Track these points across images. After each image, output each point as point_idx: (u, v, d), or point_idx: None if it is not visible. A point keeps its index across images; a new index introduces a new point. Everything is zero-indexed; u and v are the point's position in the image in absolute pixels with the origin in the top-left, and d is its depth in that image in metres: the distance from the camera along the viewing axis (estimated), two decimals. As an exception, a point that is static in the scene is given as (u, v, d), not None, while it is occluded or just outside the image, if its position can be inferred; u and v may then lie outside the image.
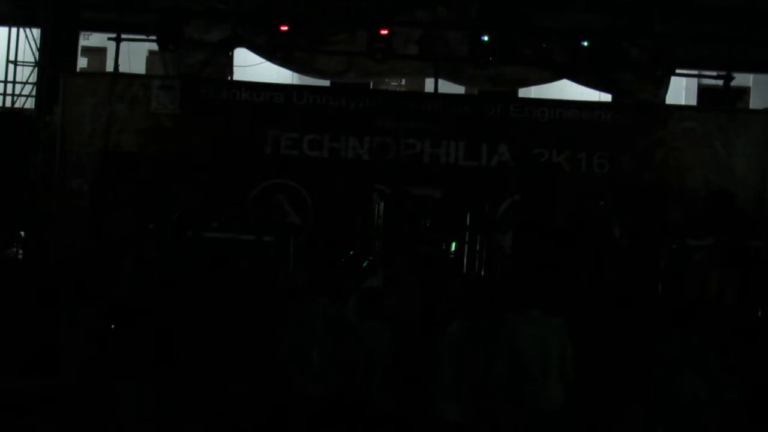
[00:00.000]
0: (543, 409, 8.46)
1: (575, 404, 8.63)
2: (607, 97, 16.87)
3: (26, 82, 16.34)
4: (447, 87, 16.85)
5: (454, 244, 13.99)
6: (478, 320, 8.72)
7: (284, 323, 8.98)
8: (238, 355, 9.71)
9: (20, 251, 15.11)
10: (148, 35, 15.95)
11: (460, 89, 17.85)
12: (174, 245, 12.45)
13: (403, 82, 20.79)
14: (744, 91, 20.46)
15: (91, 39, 19.04)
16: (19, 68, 16.47)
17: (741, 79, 17.86)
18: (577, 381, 8.58)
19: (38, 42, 16.07)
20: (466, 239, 13.98)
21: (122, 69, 16.04)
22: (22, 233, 15.20)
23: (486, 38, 15.04)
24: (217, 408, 9.33)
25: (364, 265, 13.20)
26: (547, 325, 8.60)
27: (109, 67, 16.60)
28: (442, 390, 8.62)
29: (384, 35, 15.03)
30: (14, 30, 16.22)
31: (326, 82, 17.45)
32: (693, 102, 20.12)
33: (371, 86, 19.21)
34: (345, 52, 15.81)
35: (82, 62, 18.25)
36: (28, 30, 16.17)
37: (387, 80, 20.35)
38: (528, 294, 8.87)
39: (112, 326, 9.10)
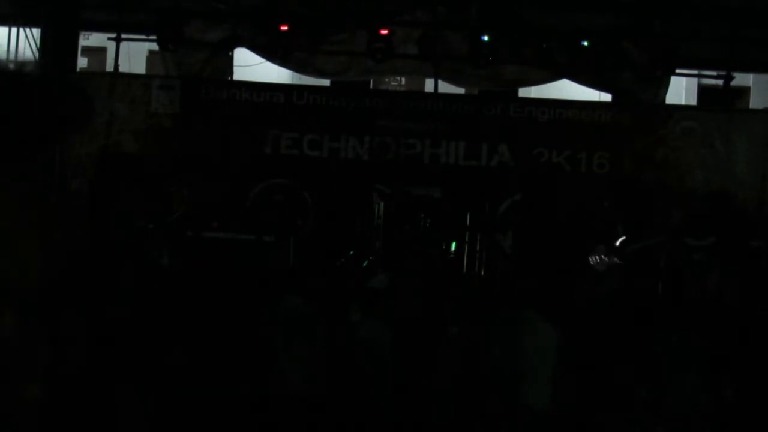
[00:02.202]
0: (540, 409, 8.46)
1: (576, 405, 8.63)
2: (607, 97, 16.87)
3: (26, 82, 16.29)
4: (447, 87, 16.85)
5: (454, 244, 14.01)
6: (478, 321, 8.72)
7: (258, 323, 8.96)
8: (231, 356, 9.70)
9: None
10: (148, 35, 15.93)
11: (460, 89, 17.84)
12: (174, 245, 12.45)
13: (403, 81, 20.79)
14: (744, 91, 20.43)
15: (91, 39, 18.98)
16: (19, 68, 16.42)
17: (741, 79, 17.82)
18: (573, 383, 8.57)
19: (38, 42, 16.05)
20: (466, 239, 13.98)
21: (122, 69, 16.03)
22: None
23: (486, 38, 15.05)
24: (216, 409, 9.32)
25: (364, 265, 13.22)
26: (540, 327, 8.59)
27: (109, 67, 16.58)
28: (441, 390, 8.63)
29: (384, 35, 15.04)
30: (14, 30, 16.18)
31: (326, 82, 17.45)
32: (693, 102, 20.08)
33: (371, 86, 19.21)
34: (345, 52, 15.81)
35: (82, 62, 18.22)
36: (28, 30, 16.14)
37: (387, 80, 20.36)
38: (525, 294, 8.87)
39: (112, 327, 9.08)
